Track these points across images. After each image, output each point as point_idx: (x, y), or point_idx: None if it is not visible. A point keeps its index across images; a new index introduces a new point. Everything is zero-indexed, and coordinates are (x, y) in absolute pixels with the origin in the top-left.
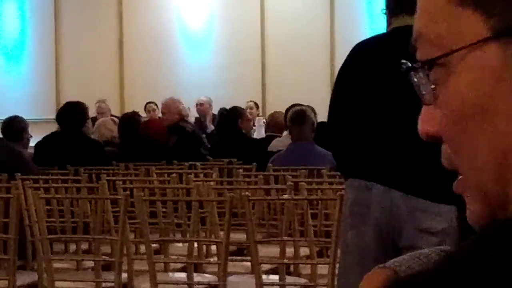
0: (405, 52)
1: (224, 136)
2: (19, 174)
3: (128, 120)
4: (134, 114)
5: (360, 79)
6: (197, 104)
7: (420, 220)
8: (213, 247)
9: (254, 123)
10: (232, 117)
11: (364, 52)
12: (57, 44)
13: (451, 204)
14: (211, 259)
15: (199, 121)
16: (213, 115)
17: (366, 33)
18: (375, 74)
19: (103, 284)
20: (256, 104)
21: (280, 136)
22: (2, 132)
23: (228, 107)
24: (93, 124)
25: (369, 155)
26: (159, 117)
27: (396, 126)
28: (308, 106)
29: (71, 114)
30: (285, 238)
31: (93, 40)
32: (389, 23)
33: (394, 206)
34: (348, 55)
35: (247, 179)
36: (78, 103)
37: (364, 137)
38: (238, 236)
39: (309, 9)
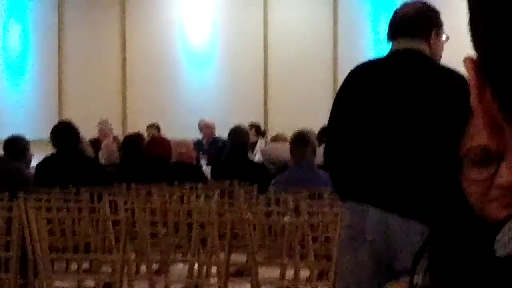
0: (402, 75)
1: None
2: (22, 193)
3: (132, 141)
4: (137, 136)
5: (357, 102)
6: (203, 126)
7: (417, 243)
8: (214, 268)
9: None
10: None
11: (361, 76)
12: (60, 63)
13: None
14: (212, 280)
15: (199, 143)
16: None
17: (369, 53)
18: (371, 97)
19: None
20: (254, 126)
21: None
22: (4, 150)
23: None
24: (92, 145)
25: (365, 178)
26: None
27: (392, 150)
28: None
29: (66, 134)
30: (286, 260)
31: (96, 60)
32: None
33: (390, 229)
34: (346, 78)
35: (248, 201)
36: (69, 122)
37: (360, 160)
38: (239, 258)
39: (312, 30)
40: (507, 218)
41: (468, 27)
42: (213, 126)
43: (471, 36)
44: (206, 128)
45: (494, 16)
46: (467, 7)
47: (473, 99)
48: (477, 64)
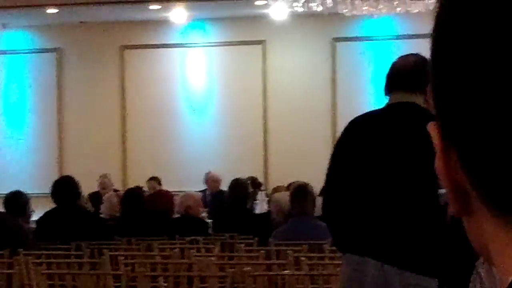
0: (398, 128)
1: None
2: (22, 249)
3: (133, 195)
4: (138, 189)
5: (353, 155)
6: (210, 179)
7: None
8: None
9: (256, 198)
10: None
11: (358, 128)
12: (59, 119)
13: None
14: None
15: (203, 197)
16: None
17: (368, 106)
18: (368, 150)
19: None
20: (250, 178)
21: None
22: (5, 206)
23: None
24: (93, 198)
25: (363, 231)
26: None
27: (389, 202)
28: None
29: (66, 189)
30: None
31: (95, 114)
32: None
33: (389, 281)
34: (343, 131)
35: (249, 254)
36: (69, 177)
37: (358, 212)
38: None
39: (310, 83)
40: None
41: (431, 93)
42: (220, 180)
43: (433, 101)
44: (212, 181)
45: (454, 85)
46: (430, 75)
47: (438, 165)
48: (441, 129)
